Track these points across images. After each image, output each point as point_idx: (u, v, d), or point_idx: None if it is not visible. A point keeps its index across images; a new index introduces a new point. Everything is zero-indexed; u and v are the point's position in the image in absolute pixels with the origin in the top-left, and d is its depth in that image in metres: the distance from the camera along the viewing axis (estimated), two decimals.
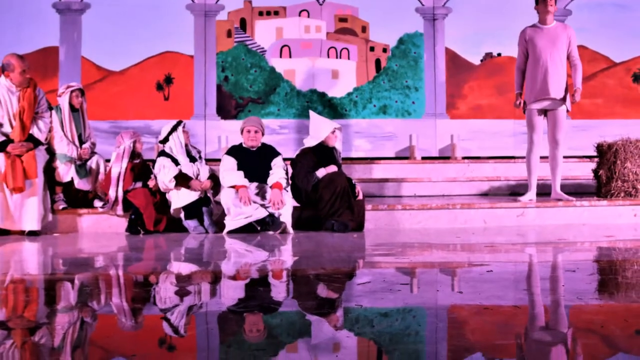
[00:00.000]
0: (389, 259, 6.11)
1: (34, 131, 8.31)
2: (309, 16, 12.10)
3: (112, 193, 8.42)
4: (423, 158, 11.82)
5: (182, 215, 8.33)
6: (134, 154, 8.63)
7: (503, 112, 12.12)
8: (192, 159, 8.51)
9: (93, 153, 8.83)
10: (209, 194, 8.46)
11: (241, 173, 8.23)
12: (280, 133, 11.76)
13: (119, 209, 8.41)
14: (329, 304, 4.23)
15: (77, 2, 11.68)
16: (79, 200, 8.73)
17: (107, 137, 11.04)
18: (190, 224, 8.27)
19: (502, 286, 4.61)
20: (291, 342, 3.35)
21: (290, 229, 8.13)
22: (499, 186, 10.80)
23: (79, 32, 11.64)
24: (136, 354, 3.10)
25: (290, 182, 8.47)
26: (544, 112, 9.11)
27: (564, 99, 9.01)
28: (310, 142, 8.65)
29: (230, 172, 8.25)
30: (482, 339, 3.30)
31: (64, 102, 8.68)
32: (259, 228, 8.07)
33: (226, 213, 8.15)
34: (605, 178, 9.51)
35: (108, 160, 8.79)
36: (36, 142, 8.28)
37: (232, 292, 4.73)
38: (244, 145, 8.51)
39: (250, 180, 8.23)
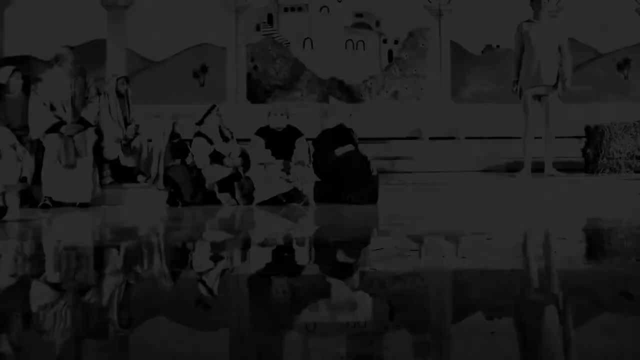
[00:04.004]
0: (400, 228, 6.10)
1: (84, 114, 8.32)
2: (328, 12, 12.06)
3: (153, 169, 8.43)
4: (430, 138, 11.79)
5: (216, 189, 8.33)
6: (174, 134, 8.63)
7: (501, 98, 12.07)
8: (225, 139, 8.51)
9: (137, 134, 8.84)
10: (240, 170, 8.46)
11: (268, 151, 8.23)
12: (303, 116, 11.76)
13: (160, 184, 8.42)
14: (347, 268, 4.23)
15: None
16: (124, 175, 8.75)
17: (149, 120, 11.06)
18: (223, 197, 8.28)
19: (501, 252, 4.59)
20: (313, 301, 3.34)
21: (312, 202, 8.12)
22: (498, 163, 10.75)
23: (124, 26, 11.65)
24: (175, 313, 3.10)
25: (312, 159, 8.46)
26: (538, 97, 9.07)
27: (555, 86, 8.97)
28: (329, 123, 8.63)
29: (258, 151, 8.25)
30: (483, 299, 3.28)
31: (111, 88, 8.70)
32: (284, 200, 8.07)
33: (255, 187, 8.15)
34: (593, 156, 9.48)
35: (150, 140, 8.80)
36: (86, 124, 8.29)
37: (260, 257, 4.73)
38: (271, 126, 8.50)
39: (277, 158, 8.22)
